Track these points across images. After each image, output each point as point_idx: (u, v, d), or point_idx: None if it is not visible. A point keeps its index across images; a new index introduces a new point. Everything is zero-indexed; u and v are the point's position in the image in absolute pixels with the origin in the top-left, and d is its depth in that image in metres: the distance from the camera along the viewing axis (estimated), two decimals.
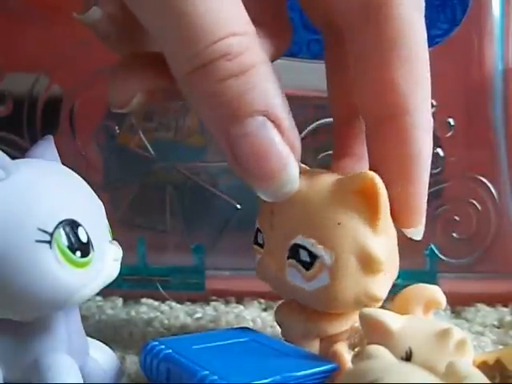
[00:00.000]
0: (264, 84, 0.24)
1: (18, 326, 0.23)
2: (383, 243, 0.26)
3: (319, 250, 0.26)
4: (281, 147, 0.24)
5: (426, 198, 0.28)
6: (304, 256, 0.26)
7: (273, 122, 0.24)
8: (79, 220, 0.23)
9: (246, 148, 0.24)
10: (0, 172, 0.22)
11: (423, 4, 0.28)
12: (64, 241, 0.22)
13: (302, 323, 0.28)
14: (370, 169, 0.28)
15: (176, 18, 0.24)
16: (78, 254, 0.22)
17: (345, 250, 0.26)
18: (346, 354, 0.25)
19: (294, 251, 0.26)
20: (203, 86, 0.24)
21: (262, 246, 0.29)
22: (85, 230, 0.23)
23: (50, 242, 0.22)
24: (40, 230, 0.22)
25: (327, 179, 0.27)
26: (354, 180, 0.26)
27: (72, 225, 0.22)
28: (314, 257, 0.26)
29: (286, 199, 0.26)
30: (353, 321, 0.27)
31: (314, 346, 0.28)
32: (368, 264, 0.26)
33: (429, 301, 0.27)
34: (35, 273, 0.22)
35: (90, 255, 0.23)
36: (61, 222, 0.22)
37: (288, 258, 0.27)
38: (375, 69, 0.27)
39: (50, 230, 0.22)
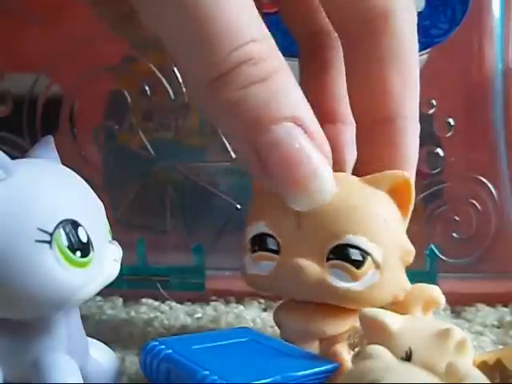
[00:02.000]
0: (289, 89, 0.24)
1: (17, 325, 0.23)
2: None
3: (371, 246, 0.26)
4: (312, 153, 0.24)
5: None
6: (355, 255, 0.26)
7: (301, 127, 0.24)
8: (79, 220, 0.23)
9: (275, 156, 0.24)
10: (0, 172, 0.22)
11: (415, 15, 0.29)
12: (64, 241, 0.22)
13: (301, 324, 0.28)
14: (360, 168, 0.30)
15: (196, 27, 0.23)
16: (78, 254, 0.22)
17: (391, 245, 0.27)
18: (345, 354, 0.25)
19: (341, 252, 0.26)
20: (226, 94, 0.23)
21: (275, 251, 0.27)
22: (85, 230, 0.23)
23: (49, 242, 0.22)
24: (40, 230, 0.22)
25: (354, 179, 0.28)
26: (389, 178, 0.27)
27: (72, 225, 0.22)
28: (365, 254, 0.26)
29: None
30: (352, 321, 0.27)
31: (314, 347, 0.27)
32: (405, 257, 0.27)
33: (428, 300, 0.27)
34: (35, 273, 0.22)
35: (90, 255, 0.23)
36: (61, 222, 0.22)
37: (329, 259, 0.26)
38: (373, 76, 0.29)
39: (50, 230, 0.22)
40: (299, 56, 0.34)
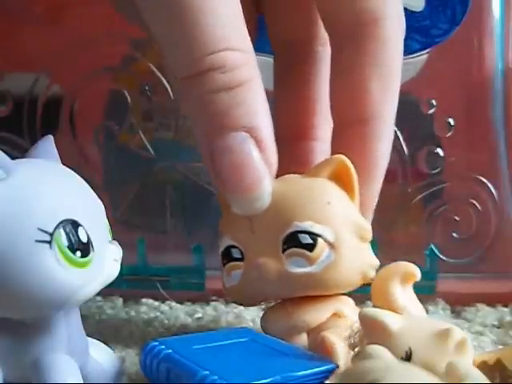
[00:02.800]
0: (253, 101, 0.25)
1: (17, 325, 0.23)
2: (360, 214, 0.29)
3: (319, 228, 0.27)
4: (259, 164, 0.26)
5: (375, 202, 0.31)
6: (305, 239, 0.27)
7: (255, 139, 0.25)
8: (79, 220, 0.23)
9: (225, 160, 0.25)
10: (0, 172, 0.22)
11: (404, 23, 0.30)
12: (64, 241, 0.22)
13: (284, 321, 0.28)
14: None
15: (179, 26, 0.24)
16: (78, 254, 0.22)
17: (340, 224, 0.27)
18: (333, 338, 0.25)
19: (292, 239, 0.27)
20: (195, 94, 0.25)
21: (240, 259, 0.29)
22: (85, 230, 0.23)
23: (50, 242, 0.22)
24: (40, 230, 0.22)
25: (296, 175, 0.29)
26: (328, 165, 0.28)
27: (72, 225, 0.22)
28: (315, 237, 0.27)
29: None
30: (333, 308, 0.28)
31: (302, 341, 0.28)
32: (361, 234, 0.28)
33: (404, 275, 0.28)
34: (35, 273, 0.22)
35: (90, 255, 0.23)
36: (61, 222, 0.22)
37: (284, 250, 0.27)
38: (355, 78, 0.29)
39: (50, 230, 0.22)
40: (274, 69, 0.34)
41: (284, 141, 0.31)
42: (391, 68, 0.29)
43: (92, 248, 0.23)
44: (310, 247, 0.27)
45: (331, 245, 0.27)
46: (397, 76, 0.30)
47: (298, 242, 0.27)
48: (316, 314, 0.28)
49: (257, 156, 0.25)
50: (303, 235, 0.27)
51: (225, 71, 0.24)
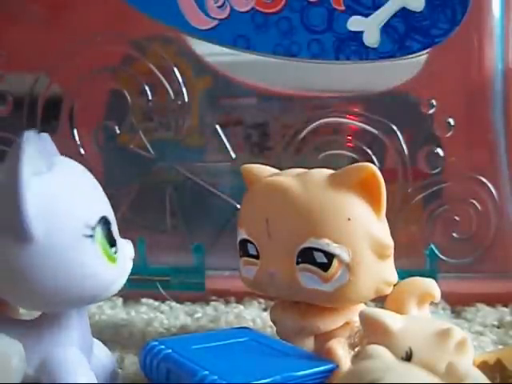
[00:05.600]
0: None
1: (30, 321, 0.24)
2: (385, 228, 0.27)
3: (335, 248, 0.26)
4: None
5: None
6: (320, 258, 0.26)
7: None
8: (109, 217, 0.23)
9: None
10: (43, 166, 0.22)
11: None
12: (102, 236, 0.23)
13: (296, 321, 0.28)
14: None
15: None
16: (114, 249, 0.23)
17: (359, 243, 0.26)
18: (340, 351, 0.25)
19: (307, 255, 0.26)
20: None
21: (255, 257, 0.28)
22: (113, 227, 0.24)
23: (92, 237, 0.22)
24: (85, 225, 0.22)
25: (321, 178, 0.27)
26: (353, 173, 0.27)
27: (105, 221, 0.23)
28: (330, 257, 0.26)
29: (280, 205, 0.27)
30: (346, 317, 0.28)
31: (309, 343, 0.28)
32: (380, 251, 0.27)
33: (423, 294, 0.27)
34: (80, 267, 0.22)
35: (118, 252, 0.24)
36: (101, 219, 0.23)
37: (298, 263, 0.27)
38: None
39: (93, 225, 0.22)
40: None
41: None
42: None
43: (116, 245, 0.24)
44: (325, 267, 0.26)
45: (347, 265, 0.26)
46: None
47: (312, 259, 0.26)
48: (329, 322, 0.28)
49: None
50: (318, 253, 0.26)
51: None
